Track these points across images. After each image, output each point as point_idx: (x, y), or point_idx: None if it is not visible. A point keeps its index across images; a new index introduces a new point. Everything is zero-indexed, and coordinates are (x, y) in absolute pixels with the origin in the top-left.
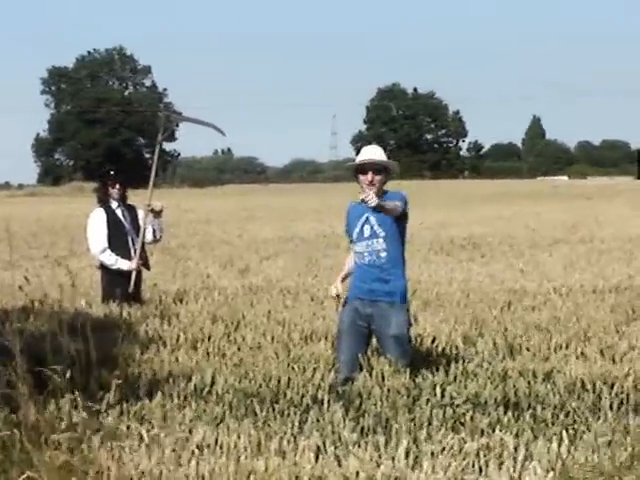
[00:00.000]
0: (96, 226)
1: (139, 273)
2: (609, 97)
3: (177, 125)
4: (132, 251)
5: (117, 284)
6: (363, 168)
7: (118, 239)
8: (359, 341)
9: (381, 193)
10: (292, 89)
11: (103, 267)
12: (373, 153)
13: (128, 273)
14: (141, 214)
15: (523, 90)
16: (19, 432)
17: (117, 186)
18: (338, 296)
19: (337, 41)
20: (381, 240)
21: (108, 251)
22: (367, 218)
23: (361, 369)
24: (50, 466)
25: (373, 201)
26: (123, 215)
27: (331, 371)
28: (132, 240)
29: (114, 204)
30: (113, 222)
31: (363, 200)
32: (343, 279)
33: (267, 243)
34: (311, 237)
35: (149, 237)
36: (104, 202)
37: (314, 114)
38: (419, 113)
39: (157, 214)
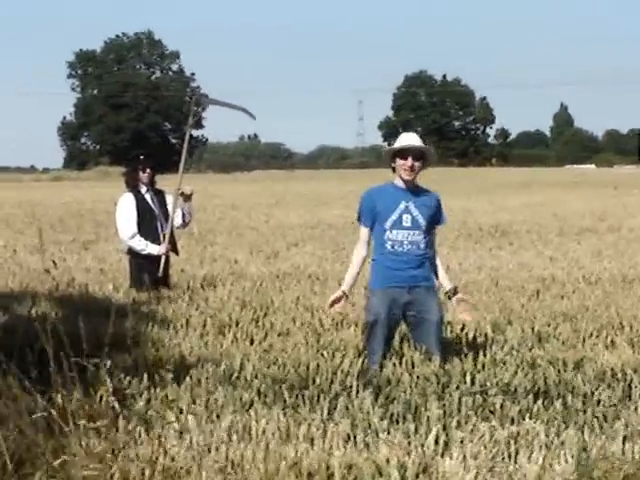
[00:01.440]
0: (125, 211)
1: (167, 258)
2: (638, 85)
3: (204, 109)
4: (161, 236)
5: (146, 269)
6: (403, 153)
7: (147, 224)
8: (393, 331)
9: (416, 183)
10: (319, 75)
11: (131, 252)
12: (414, 139)
13: (157, 258)
14: (169, 199)
15: (551, 77)
16: (55, 415)
17: (147, 170)
18: (339, 299)
19: (364, 27)
20: (423, 233)
21: (137, 236)
22: (407, 207)
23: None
24: (86, 451)
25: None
26: (152, 200)
27: (360, 357)
28: (161, 225)
29: (143, 189)
30: (142, 207)
31: None
32: (352, 286)
33: (294, 229)
34: (338, 223)
35: (178, 221)
36: (133, 187)
37: (341, 100)
38: (446, 100)
39: (187, 198)
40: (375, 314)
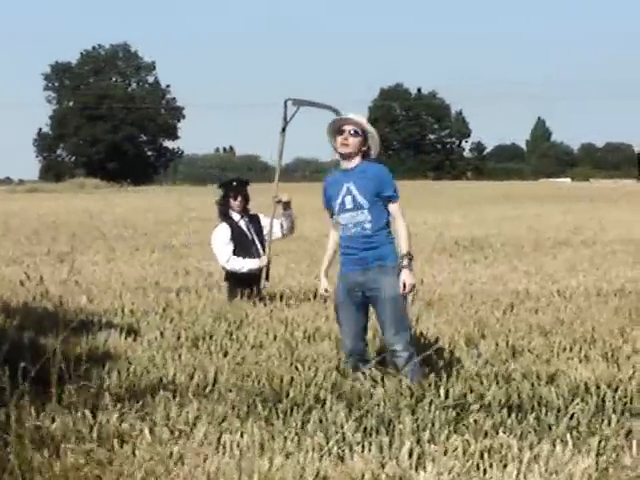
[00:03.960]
0: (220, 241)
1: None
2: (614, 99)
3: (296, 112)
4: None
5: (244, 284)
6: (341, 128)
7: (245, 251)
8: (358, 311)
9: (357, 162)
10: (294, 87)
11: (229, 274)
12: (354, 115)
13: (254, 274)
14: (264, 221)
15: (528, 91)
16: (18, 435)
17: (238, 198)
18: (326, 290)
19: (340, 40)
20: (365, 211)
21: (233, 257)
22: (348, 189)
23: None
24: (59, 469)
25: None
26: (247, 226)
27: (334, 371)
28: (256, 250)
29: (236, 216)
30: (238, 235)
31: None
32: (328, 267)
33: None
34: (313, 236)
35: (277, 232)
36: (225, 215)
37: (317, 113)
38: (422, 113)
39: (286, 206)
40: (337, 299)
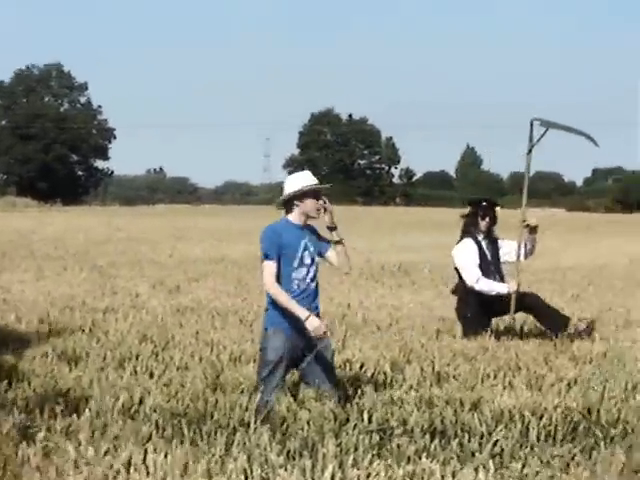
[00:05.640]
0: (470, 259)
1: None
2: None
3: (546, 131)
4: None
5: (490, 311)
6: (315, 193)
7: (484, 273)
8: (293, 367)
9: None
10: (226, 110)
11: (470, 294)
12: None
13: (501, 298)
14: (501, 244)
15: (457, 118)
16: None
17: (487, 219)
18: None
19: (271, 64)
20: (316, 265)
21: (483, 278)
22: (306, 245)
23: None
24: None
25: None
26: (487, 248)
27: (258, 393)
28: (494, 274)
29: (480, 236)
30: (480, 254)
31: None
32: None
33: (197, 263)
34: (242, 259)
35: (522, 255)
36: (470, 233)
37: (247, 136)
38: (352, 139)
39: (532, 230)
40: (279, 354)
